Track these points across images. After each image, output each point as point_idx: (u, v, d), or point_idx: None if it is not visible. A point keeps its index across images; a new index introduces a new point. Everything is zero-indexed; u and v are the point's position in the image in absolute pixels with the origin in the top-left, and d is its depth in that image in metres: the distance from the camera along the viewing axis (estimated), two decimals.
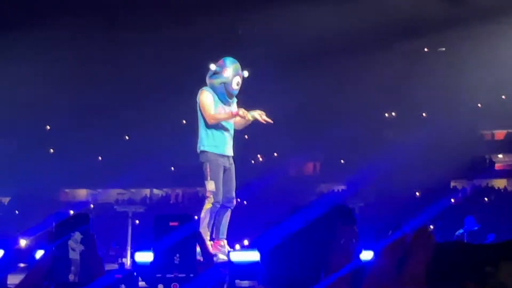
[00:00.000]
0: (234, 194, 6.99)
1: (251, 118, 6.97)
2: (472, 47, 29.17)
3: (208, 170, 6.79)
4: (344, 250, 1.59)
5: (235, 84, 7.03)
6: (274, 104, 27.92)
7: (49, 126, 35.49)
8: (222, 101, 7.00)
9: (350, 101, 30.43)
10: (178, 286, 1.71)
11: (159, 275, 1.71)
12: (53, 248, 1.74)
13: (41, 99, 31.16)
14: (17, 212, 29.13)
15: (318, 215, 1.58)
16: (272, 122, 7.09)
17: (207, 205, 6.73)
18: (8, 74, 29.53)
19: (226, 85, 7.00)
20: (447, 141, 25.08)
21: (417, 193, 26.02)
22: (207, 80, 7.08)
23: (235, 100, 7.19)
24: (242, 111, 6.88)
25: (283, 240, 1.51)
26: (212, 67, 7.02)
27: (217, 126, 6.98)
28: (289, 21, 28.59)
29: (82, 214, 1.81)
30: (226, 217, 6.90)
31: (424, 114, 31.80)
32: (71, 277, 1.73)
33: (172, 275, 1.72)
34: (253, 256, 5.07)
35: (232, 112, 6.91)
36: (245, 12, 29.39)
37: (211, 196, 6.74)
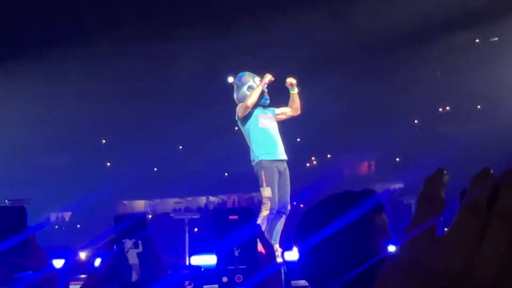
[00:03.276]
0: (288, 200, 6.96)
1: (294, 92, 7.17)
2: None
3: (264, 176, 6.78)
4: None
5: (259, 81, 7.14)
6: (324, 105, 27.86)
7: (105, 140, 36.17)
8: (261, 106, 7.08)
9: (402, 98, 30.06)
10: (242, 277, 1.71)
11: (221, 268, 1.72)
12: (112, 254, 1.76)
13: (95, 114, 31.79)
14: (78, 226, 29.74)
15: (348, 201, 1.56)
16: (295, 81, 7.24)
17: (264, 212, 6.70)
18: (63, 90, 30.22)
19: (252, 87, 7.09)
20: (505, 133, 24.53)
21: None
22: (235, 96, 7.18)
23: (272, 109, 7.25)
24: (267, 78, 7.03)
25: (318, 236, 1.50)
26: (230, 79, 7.16)
27: (264, 134, 7.01)
28: (332, 18, 28.43)
29: (139, 216, 1.82)
30: (280, 223, 6.85)
31: (478, 107, 31.19)
32: (134, 276, 1.75)
33: (233, 267, 1.72)
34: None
35: (261, 83, 7.03)
36: (282, 13, 29.36)
37: (268, 202, 6.71)
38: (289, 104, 7.26)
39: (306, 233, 1.52)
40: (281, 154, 6.98)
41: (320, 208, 1.59)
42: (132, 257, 1.74)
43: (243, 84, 7.12)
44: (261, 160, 6.85)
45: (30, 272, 1.69)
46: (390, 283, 0.56)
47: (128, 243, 1.73)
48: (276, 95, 7.41)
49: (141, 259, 1.73)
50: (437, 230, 0.57)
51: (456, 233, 0.55)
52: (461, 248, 0.54)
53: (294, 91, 7.19)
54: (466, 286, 0.52)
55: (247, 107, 6.93)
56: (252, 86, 7.07)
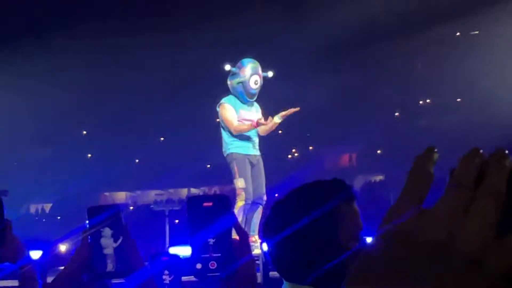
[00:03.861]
0: (264, 190, 7.03)
1: (278, 121, 7.02)
2: (507, 29, 28.68)
3: (236, 168, 6.87)
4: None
5: (253, 83, 7.07)
6: (306, 97, 27.87)
7: (86, 131, 35.96)
8: (242, 102, 7.04)
9: (383, 90, 30.18)
10: (215, 264, 1.71)
11: (195, 256, 1.71)
12: (86, 244, 1.75)
13: (76, 105, 31.58)
14: (59, 218, 29.58)
15: (316, 192, 1.55)
16: (298, 108, 7.13)
17: (239, 203, 6.79)
18: (43, 81, 29.99)
19: (244, 84, 7.05)
20: (484, 126, 24.74)
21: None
22: (228, 82, 7.14)
23: (256, 105, 7.20)
24: (262, 120, 6.92)
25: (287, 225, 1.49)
26: (227, 67, 7.11)
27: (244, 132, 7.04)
28: (317, 12, 28.44)
29: (112, 206, 1.81)
30: (258, 214, 6.93)
31: (459, 100, 31.41)
32: (110, 266, 1.74)
33: (208, 255, 1.71)
34: None
35: (252, 124, 6.96)
36: (275, 4, 29.34)
37: (242, 193, 6.80)
38: (263, 127, 7.10)
39: (275, 224, 1.52)
40: (254, 149, 7.04)
41: (288, 200, 1.59)
42: (108, 247, 1.73)
43: (237, 75, 7.06)
44: (232, 153, 6.92)
45: (7, 263, 1.68)
46: (375, 257, 0.57)
47: (104, 233, 1.72)
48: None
49: (117, 249, 1.73)
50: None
51: (442, 207, 0.57)
52: (445, 221, 0.56)
53: (278, 121, 7.08)
54: (447, 257, 0.54)
55: (237, 131, 6.94)
56: (244, 83, 7.01)
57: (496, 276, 0.53)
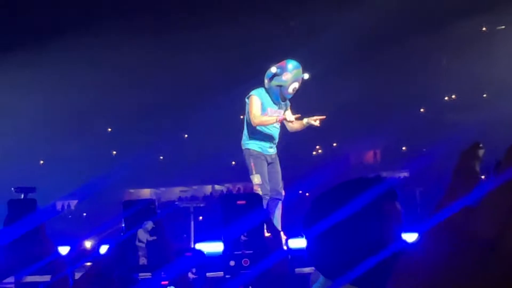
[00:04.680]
0: (281, 186, 7.06)
1: (304, 124, 7.01)
2: None
3: (253, 165, 6.88)
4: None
5: (292, 89, 7.05)
6: (330, 94, 27.78)
7: (111, 128, 36.21)
8: (274, 102, 7.03)
9: (408, 87, 29.97)
10: (248, 262, 1.71)
11: (228, 253, 1.72)
12: (121, 241, 1.77)
13: (101, 103, 31.81)
14: (84, 214, 29.84)
15: (360, 188, 1.52)
16: (324, 116, 7.09)
17: None
18: (69, 79, 30.26)
19: (282, 88, 7.03)
20: (510, 122, 24.44)
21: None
22: (265, 80, 7.09)
23: (288, 103, 7.20)
24: (288, 116, 6.89)
25: (328, 223, 1.47)
26: (273, 69, 7.04)
27: (265, 130, 7.03)
28: (340, 12, 28.33)
29: (148, 202, 1.82)
30: (278, 209, 6.94)
31: (484, 95, 31.07)
32: (142, 260, 1.75)
33: (240, 252, 1.72)
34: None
35: (277, 118, 6.94)
36: (295, 5, 29.30)
37: (259, 189, 6.82)
38: (296, 124, 7.08)
39: (316, 219, 1.50)
40: (271, 150, 7.04)
41: (331, 194, 1.57)
42: (142, 240, 1.74)
43: (279, 78, 7.02)
44: (249, 149, 6.95)
45: (39, 261, 1.71)
46: (420, 256, 0.57)
47: (141, 230, 1.73)
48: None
49: (150, 244, 1.74)
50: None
51: (490, 205, 0.56)
52: (493, 219, 0.55)
53: (306, 124, 7.05)
54: (496, 255, 0.54)
55: (258, 121, 6.94)
56: (283, 87, 7.00)
57: None
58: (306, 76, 7.13)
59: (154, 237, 1.77)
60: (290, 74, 7.01)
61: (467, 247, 0.55)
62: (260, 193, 6.79)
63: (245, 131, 7.09)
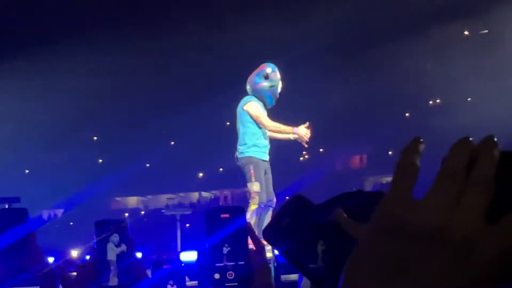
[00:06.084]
0: (273, 193, 7.11)
1: (292, 138, 7.06)
2: None
3: (253, 171, 6.90)
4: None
5: (280, 88, 7.16)
6: (316, 99, 27.82)
7: (96, 137, 36.09)
8: (265, 105, 7.09)
9: (394, 91, 30.12)
10: (233, 274, 1.71)
11: (209, 264, 1.73)
12: (93, 253, 1.78)
13: (87, 111, 31.71)
14: (71, 223, 29.69)
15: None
16: (306, 146, 7.18)
17: (253, 206, 6.81)
18: (55, 87, 30.13)
19: (274, 88, 7.10)
20: (494, 126, 24.61)
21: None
22: (259, 83, 7.13)
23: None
24: (301, 131, 6.94)
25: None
26: (268, 70, 7.13)
27: (262, 134, 7.05)
28: (327, 14, 28.43)
29: (119, 219, 1.85)
30: (268, 217, 6.95)
31: (469, 99, 31.29)
32: (114, 280, 1.76)
33: (222, 264, 1.73)
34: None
35: (293, 129, 6.98)
36: (280, 10, 29.36)
37: (257, 197, 6.82)
38: (277, 135, 7.13)
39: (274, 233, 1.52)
40: (268, 156, 7.12)
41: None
42: (112, 259, 1.75)
43: (271, 79, 7.13)
44: (251, 156, 6.95)
45: (28, 271, 1.72)
46: (367, 248, 0.58)
47: (110, 243, 1.75)
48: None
49: (119, 261, 1.75)
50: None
51: (433, 196, 0.57)
52: (438, 209, 0.56)
53: (292, 137, 7.09)
54: (440, 245, 0.55)
55: (273, 128, 6.98)
56: (274, 87, 7.08)
57: (488, 261, 0.54)
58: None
59: (119, 252, 1.79)
60: (277, 73, 7.15)
61: (410, 240, 0.56)
62: (257, 200, 6.81)
63: (244, 140, 7.07)
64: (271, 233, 1.53)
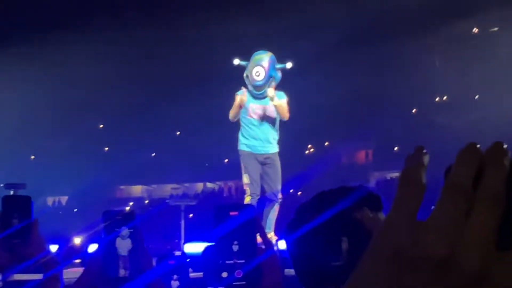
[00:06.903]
0: (279, 188, 7.03)
1: (276, 105, 7.00)
2: None
3: (242, 164, 6.96)
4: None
5: (255, 75, 7.01)
6: (322, 93, 27.76)
7: (103, 124, 36.13)
8: (252, 96, 7.03)
9: (401, 87, 30.03)
10: (241, 273, 1.71)
11: (220, 262, 1.73)
12: (103, 246, 1.78)
13: (93, 99, 31.74)
14: (75, 210, 29.77)
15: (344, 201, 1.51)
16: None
17: (247, 198, 6.85)
18: (61, 74, 30.15)
19: (249, 76, 7.06)
20: (501, 124, 24.53)
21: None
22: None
23: (267, 99, 7.09)
24: (239, 98, 6.94)
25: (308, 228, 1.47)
26: (236, 61, 7.12)
27: (249, 126, 7.04)
28: (332, 11, 28.35)
29: (128, 212, 1.85)
30: (273, 211, 6.94)
31: (476, 97, 31.17)
32: (122, 272, 1.76)
33: (232, 262, 1.72)
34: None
35: (236, 103, 6.99)
36: (283, 3, 29.31)
37: (247, 188, 6.88)
38: (275, 108, 7.12)
39: (294, 228, 1.51)
40: (261, 148, 7.01)
41: (311, 204, 1.57)
42: (121, 250, 1.75)
43: (246, 69, 7.15)
44: (240, 150, 7.03)
45: (31, 259, 1.72)
46: (368, 275, 0.53)
47: (119, 237, 1.75)
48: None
49: (130, 254, 1.75)
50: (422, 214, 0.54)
51: (438, 216, 0.51)
52: (444, 233, 0.50)
53: (272, 102, 6.99)
54: (448, 273, 0.50)
55: (230, 116, 7.05)
56: (248, 76, 7.06)
57: None
58: (289, 65, 7.16)
59: (131, 246, 1.79)
60: (251, 61, 7.10)
61: (416, 267, 0.51)
62: (249, 192, 6.84)
63: (239, 133, 7.18)
64: (293, 228, 1.53)
